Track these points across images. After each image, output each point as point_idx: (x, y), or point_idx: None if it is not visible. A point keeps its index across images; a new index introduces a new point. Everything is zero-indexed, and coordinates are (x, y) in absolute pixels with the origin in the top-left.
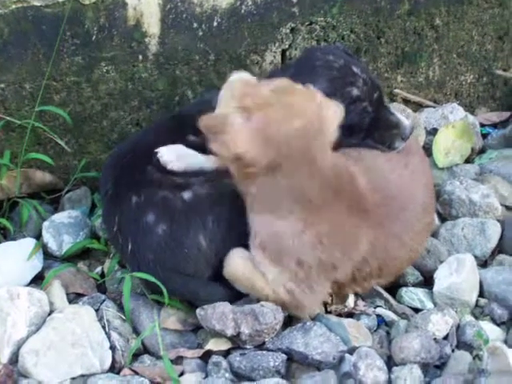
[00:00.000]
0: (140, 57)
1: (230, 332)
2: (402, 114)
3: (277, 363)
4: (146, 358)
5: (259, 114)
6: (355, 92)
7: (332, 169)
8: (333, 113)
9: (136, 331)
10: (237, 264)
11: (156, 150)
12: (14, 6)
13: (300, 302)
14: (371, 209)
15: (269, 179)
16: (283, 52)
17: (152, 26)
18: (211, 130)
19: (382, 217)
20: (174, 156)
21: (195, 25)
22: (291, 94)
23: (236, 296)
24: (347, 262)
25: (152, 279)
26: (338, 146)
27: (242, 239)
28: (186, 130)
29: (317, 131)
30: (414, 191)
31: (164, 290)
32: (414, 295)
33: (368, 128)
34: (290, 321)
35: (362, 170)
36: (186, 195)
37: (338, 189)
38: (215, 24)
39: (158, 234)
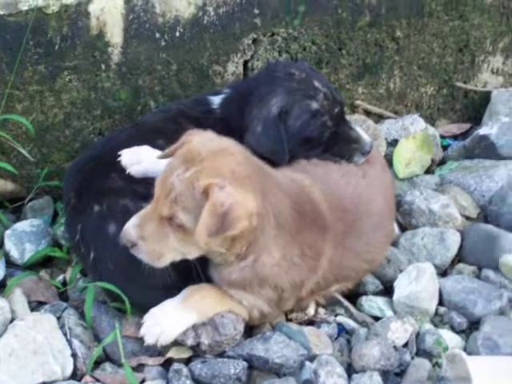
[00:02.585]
0: (103, 66)
1: (189, 342)
2: (362, 129)
3: (237, 370)
4: (108, 365)
5: (225, 181)
6: (315, 105)
7: (291, 187)
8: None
9: (97, 339)
10: (214, 308)
11: (119, 153)
12: None
13: (266, 319)
14: (329, 226)
15: (265, 222)
16: (245, 63)
17: (115, 35)
18: (222, 229)
19: (337, 232)
20: (134, 159)
21: (158, 35)
22: (200, 150)
23: None
24: (312, 278)
25: (114, 289)
26: (295, 158)
27: None
28: (153, 135)
29: (247, 153)
30: (369, 202)
31: (126, 300)
32: (373, 304)
33: (327, 142)
34: (250, 330)
35: (318, 189)
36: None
37: (301, 210)
38: (177, 34)
39: (118, 244)
